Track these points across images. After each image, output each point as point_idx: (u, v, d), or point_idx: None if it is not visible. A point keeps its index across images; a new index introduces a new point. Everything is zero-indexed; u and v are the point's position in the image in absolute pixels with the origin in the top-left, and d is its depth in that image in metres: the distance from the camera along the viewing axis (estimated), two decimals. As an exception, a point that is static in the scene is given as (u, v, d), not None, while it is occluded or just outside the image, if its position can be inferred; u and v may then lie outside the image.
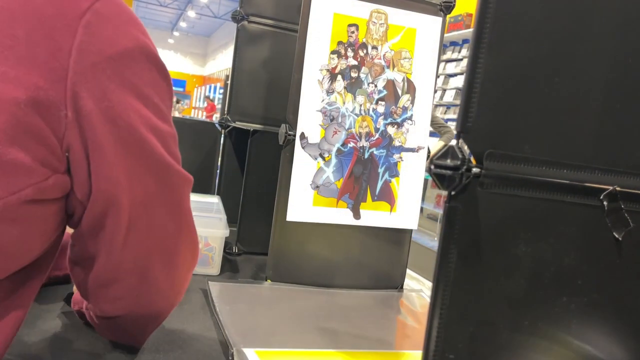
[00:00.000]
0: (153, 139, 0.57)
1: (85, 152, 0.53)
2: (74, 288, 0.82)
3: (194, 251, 0.67)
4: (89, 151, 0.53)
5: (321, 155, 1.08)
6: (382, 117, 1.11)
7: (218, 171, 1.54)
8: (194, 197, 1.36)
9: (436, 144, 4.68)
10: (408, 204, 1.15)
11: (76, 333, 0.80)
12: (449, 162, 0.44)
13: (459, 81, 6.78)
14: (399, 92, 1.11)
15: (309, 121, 1.06)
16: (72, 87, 0.51)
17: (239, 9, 1.35)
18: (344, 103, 1.08)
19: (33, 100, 0.49)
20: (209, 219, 1.18)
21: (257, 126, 1.34)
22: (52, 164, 0.52)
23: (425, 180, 1.45)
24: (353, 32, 1.08)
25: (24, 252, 0.55)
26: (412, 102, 1.12)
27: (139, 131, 0.56)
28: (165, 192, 0.60)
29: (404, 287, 1.20)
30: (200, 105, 19.15)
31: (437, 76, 1.16)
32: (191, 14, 18.65)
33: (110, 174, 0.55)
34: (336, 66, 1.07)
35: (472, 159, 0.45)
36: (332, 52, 1.06)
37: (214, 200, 1.36)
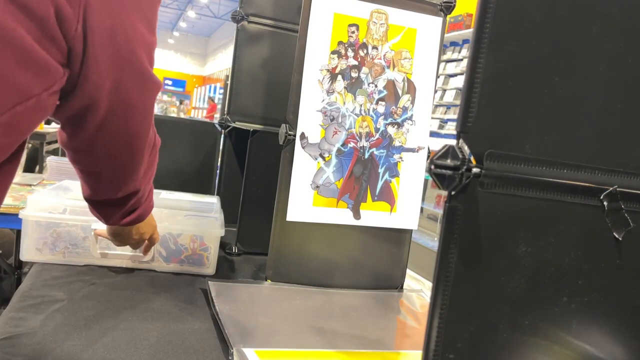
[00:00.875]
0: (143, 56, 0.65)
1: (82, 59, 0.60)
2: None
3: (154, 149, 0.80)
4: (86, 59, 0.60)
5: (321, 155, 1.08)
6: (382, 117, 1.11)
7: (218, 171, 1.54)
8: (194, 198, 1.36)
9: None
10: (408, 204, 1.15)
11: (76, 333, 0.80)
12: (449, 162, 0.44)
13: (459, 81, 6.78)
14: (399, 92, 1.11)
15: (309, 121, 1.06)
16: (85, 3, 0.58)
17: (239, 9, 1.35)
18: (344, 103, 1.08)
19: (57, 14, 0.57)
20: (205, 218, 1.18)
21: (257, 126, 1.34)
22: (64, 63, 0.60)
23: (425, 180, 1.45)
24: (353, 32, 1.08)
25: (29, 132, 0.64)
26: (412, 102, 1.12)
27: (135, 51, 0.64)
28: (143, 100, 0.69)
29: (404, 287, 1.20)
30: (201, 105, 19.15)
31: (437, 76, 1.15)
32: (191, 14, 18.65)
33: (98, 81, 0.62)
34: (336, 66, 1.07)
35: (472, 159, 0.45)
36: (333, 52, 1.06)
37: (213, 200, 1.36)
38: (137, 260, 1.10)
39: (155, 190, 1.29)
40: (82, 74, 0.62)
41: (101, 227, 1.01)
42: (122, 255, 1.09)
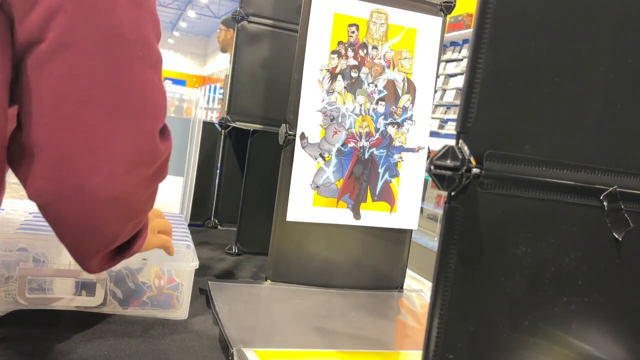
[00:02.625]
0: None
1: None
2: None
3: (144, 139, 0.58)
4: None
5: (321, 155, 1.08)
6: (382, 117, 1.11)
7: (218, 171, 1.54)
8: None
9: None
10: (408, 204, 1.15)
11: (76, 335, 0.80)
12: (448, 162, 0.44)
13: (459, 81, 6.77)
14: (399, 92, 1.11)
15: (309, 121, 1.06)
16: None
17: (239, 9, 1.35)
18: (344, 103, 1.08)
19: None
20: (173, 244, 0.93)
21: (257, 126, 1.34)
22: None
23: (425, 181, 1.45)
24: (353, 32, 1.08)
25: None
26: (412, 102, 1.12)
27: None
28: (107, 64, 0.54)
29: (404, 287, 1.20)
30: (205, 105, 19.12)
31: (437, 76, 1.15)
32: (191, 14, 18.64)
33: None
34: (336, 66, 1.07)
35: (472, 159, 0.45)
36: (333, 52, 1.06)
37: (174, 212, 1.15)
38: (81, 305, 0.86)
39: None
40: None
41: None
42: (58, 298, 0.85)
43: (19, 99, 0.54)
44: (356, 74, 1.08)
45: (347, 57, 1.08)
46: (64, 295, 0.86)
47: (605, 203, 0.52)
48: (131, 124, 0.57)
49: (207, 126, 1.55)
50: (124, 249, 0.69)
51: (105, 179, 0.56)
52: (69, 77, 0.52)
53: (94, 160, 0.55)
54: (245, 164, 1.31)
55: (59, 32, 0.52)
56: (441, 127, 6.95)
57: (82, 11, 0.52)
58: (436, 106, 6.99)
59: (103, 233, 0.61)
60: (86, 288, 0.87)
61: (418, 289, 1.22)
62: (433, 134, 6.44)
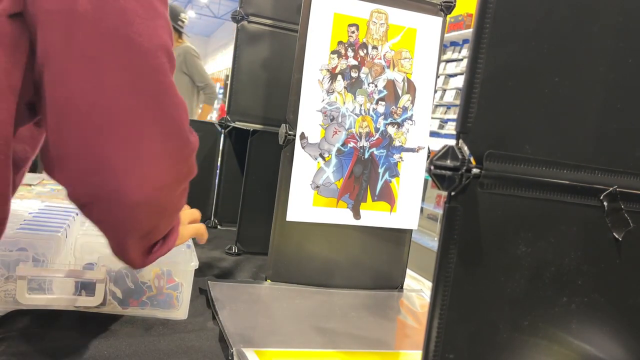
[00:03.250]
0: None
1: None
2: None
3: (172, 138, 0.61)
4: None
5: (321, 155, 1.08)
6: (382, 117, 1.11)
7: (218, 171, 1.54)
8: None
9: None
10: (408, 204, 1.15)
11: (75, 334, 0.80)
12: (448, 162, 0.44)
13: (459, 81, 6.77)
14: (399, 92, 1.11)
15: (309, 121, 1.06)
16: None
17: (238, 9, 1.35)
18: (344, 103, 1.08)
19: None
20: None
21: (257, 126, 1.34)
22: None
23: (425, 180, 1.45)
24: (353, 32, 1.08)
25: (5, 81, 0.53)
26: (413, 102, 1.12)
27: None
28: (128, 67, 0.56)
29: (404, 287, 1.20)
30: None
31: (437, 76, 1.15)
32: (191, 14, 18.65)
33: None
34: (336, 66, 1.07)
35: (472, 159, 0.45)
36: (332, 52, 1.06)
37: None
38: (81, 305, 0.86)
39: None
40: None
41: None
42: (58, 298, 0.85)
43: (44, 110, 0.56)
44: (356, 74, 1.08)
45: (347, 57, 1.08)
46: (63, 295, 0.86)
47: (605, 203, 0.52)
48: (160, 125, 0.60)
49: (207, 126, 1.55)
50: (161, 244, 0.73)
51: (138, 182, 0.59)
52: (97, 89, 0.54)
53: (126, 165, 0.58)
54: (245, 164, 1.31)
55: (83, 44, 0.53)
56: (441, 127, 6.95)
57: (104, 24, 0.53)
58: (436, 106, 6.99)
59: (139, 231, 0.65)
60: (86, 288, 0.86)
61: (418, 289, 1.22)
62: (433, 134, 6.44)
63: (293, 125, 1.06)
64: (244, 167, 1.32)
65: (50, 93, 0.55)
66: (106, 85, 0.55)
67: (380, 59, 1.10)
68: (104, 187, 0.59)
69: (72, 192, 0.60)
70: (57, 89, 0.54)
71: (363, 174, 1.11)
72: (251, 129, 1.31)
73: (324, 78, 1.06)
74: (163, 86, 0.59)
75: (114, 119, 0.56)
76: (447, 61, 7.03)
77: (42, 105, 0.56)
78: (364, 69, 1.09)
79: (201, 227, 0.89)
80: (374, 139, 1.11)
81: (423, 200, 4.10)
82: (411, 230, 1.18)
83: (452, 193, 0.45)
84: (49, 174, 0.60)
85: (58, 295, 0.86)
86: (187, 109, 0.64)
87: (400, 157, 1.13)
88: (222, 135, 1.49)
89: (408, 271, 1.23)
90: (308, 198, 1.08)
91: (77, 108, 0.55)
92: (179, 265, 0.91)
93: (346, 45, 1.07)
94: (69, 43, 0.53)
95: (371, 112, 1.10)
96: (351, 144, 1.10)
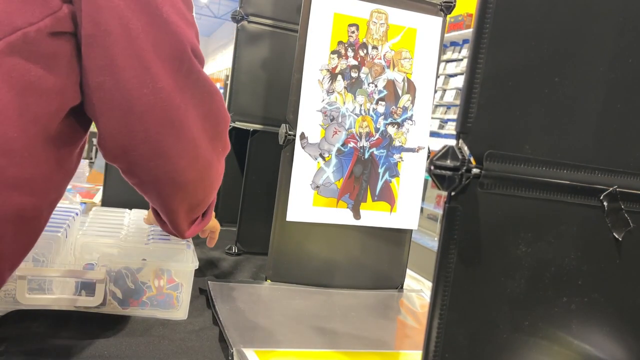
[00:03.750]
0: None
1: None
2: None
3: (209, 119, 0.72)
4: None
5: (321, 155, 1.08)
6: (382, 117, 1.11)
7: (218, 171, 1.54)
8: (141, 214, 1.12)
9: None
10: (408, 204, 1.15)
11: (76, 334, 0.80)
12: (448, 162, 0.44)
13: (459, 81, 6.77)
14: (399, 92, 1.11)
15: (309, 121, 1.06)
16: None
17: (238, 9, 1.35)
18: (344, 103, 1.08)
19: None
20: (172, 246, 0.96)
21: (257, 126, 1.34)
22: None
23: (425, 181, 1.45)
24: (353, 32, 1.08)
25: (52, 95, 0.57)
26: (413, 102, 1.12)
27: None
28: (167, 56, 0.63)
29: (404, 287, 1.20)
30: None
31: (437, 76, 1.15)
32: (191, 13, 18.61)
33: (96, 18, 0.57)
34: (336, 66, 1.07)
35: (472, 159, 0.45)
36: (332, 52, 1.06)
37: None
38: (81, 305, 0.86)
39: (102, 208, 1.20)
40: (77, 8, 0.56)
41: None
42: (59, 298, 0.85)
43: (97, 115, 0.63)
44: (356, 74, 1.08)
45: (347, 57, 1.08)
46: (63, 295, 0.86)
47: (605, 203, 0.52)
48: (199, 110, 0.69)
49: (207, 126, 1.55)
50: (201, 220, 0.86)
51: (190, 162, 0.70)
52: (152, 93, 0.62)
53: (179, 147, 0.68)
54: (245, 164, 1.31)
55: (136, 57, 0.60)
56: (441, 127, 6.95)
57: (154, 36, 0.61)
58: (436, 106, 6.99)
59: (191, 203, 0.78)
60: (86, 288, 0.86)
61: (418, 289, 1.22)
62: (433, 134, 6.43)
63: (293, 125, 1.06)
64: (244, 167, 1.32)
65: (110, 96, 0.61)
66: (160, 89, 0.63)
67: (380, 59, 1.10)
68: (162, 168, 0.69)
69: (134, 176, 0.71)
70: (118, 93, 0.61)
71: (363, 174, 1.11)
72: (251, 129, 1.31)
73: (324, 78, 1.06)
74: (202, 82, 0.69)
75: (167, 115, 0.65)
76: (447, 61, 7.02)
77: (96, 111, 0.63)
78: (364, 69, 1.09)
79: (218, 226, 1.02)
80: (374, 139, 1.11)
81: (423, 200, 4.10)
82: (411, 230, 1.18)
83: (452, 193, 0.45)
84: (111, 162, 0.69)
85: (58, 295, 0.86)
86: (219, 91, 0.73)
87: (400, 157, 1.13)
88: (222, 135, 1.49)
89: (408, 271, 1.23)
90: (308, 198, 1.08)
91: (135, 110, 0.62)
92: (179, 265, 0.91)
93: (346, 45, 1.07)
94: (125, 57, 0.59)
95: (371, 112, 1.10)
96: (351, 144, 1.09)
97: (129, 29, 0.58)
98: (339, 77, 1.07)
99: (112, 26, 0.57)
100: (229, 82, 1.39)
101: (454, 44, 7.09)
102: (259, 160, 1.30)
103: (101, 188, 1.42)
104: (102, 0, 0.56)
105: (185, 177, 0.71)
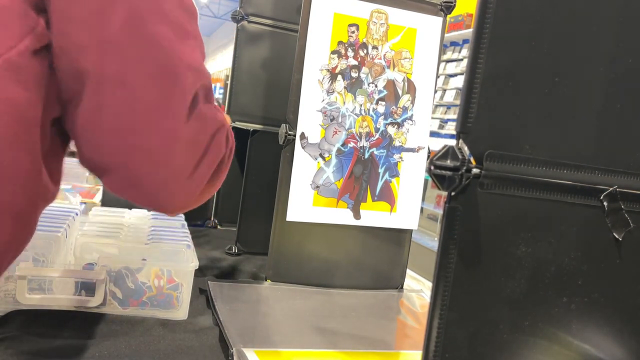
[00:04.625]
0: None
1: None
2: None
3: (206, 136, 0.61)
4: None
5: (321, 155, 1.08)
6: (382, 117, 1.11)
7: (218, 171, 1.53)
8: (141, 214, 1.14)
9: None
10: (408, 204, 1.15)
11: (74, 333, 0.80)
12: (448, 162, 0.44)
13: (459, 81, 6.77)
14: (399, 92, 1.11)
15: (309, 121, 1.06)
16: None
17: (238, 9, 1.35)
18: (344, 103, 1.08)
19: None
20: (172, 246, 0.96)
21: (257, 126, 1.34)
22: (37, 3, 0.51)
23: (426, 181, 1.45)
24: (353, 32, 1.08)
25: (32, 117, 0.53)
26: (413, 102, 1.12)
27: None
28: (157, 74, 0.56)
29: (404, 287, 1.20)
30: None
31: (437, 76, 1.15)
32: (191, 13, 18.59)
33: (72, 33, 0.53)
34: (336, 66, 1.07)
35: (472, 159, 0.45)
36: (333, 52, 1.06)
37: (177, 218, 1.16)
38: (81, 305, 0.86)
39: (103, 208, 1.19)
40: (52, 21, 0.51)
41: None
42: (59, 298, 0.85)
43: (76, 132, 0.57)
44: (356, 74, 1.08)
45: (347, 57, 1.08)
46: (63, 295, 0.86)
47: (605, 203, 0.52)
48: (190, 128, 0.59)
49: (207, 126, 1.55)
50: None
51: (174, 192, 0.61)
52: (129, 111, 0.56)
53: (160, 177, 0.59)
54: (245, 164, 1.31)
55: (115, 69, 0.54)
56: (441, 127, 6.95)
57: (134, 49, 0.54)
58: (436, 106, 6.99)
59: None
60: (86, 288, 0.86)
61: (418, 289, 1.22)
62: (433, 134, 6.43)
63: (293, 125, 1.06)
64: (244, 167, 1.32)
65: (83, 115, 0.56)
66: (137, 109, 0.56)
67: (381, 59, 1.10)
68: (144, 201, 0.61)
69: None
70: (97, 114, 0.55)
71: (363, 174, 1.11)
72: (251, 129, 1.31)
73: (324, 78, 1.06)
74: (190, 104, 0.59)
75: (147, 137, 0.57)
76: (447, 61, 7.02)
77: (74, 127, 0.57)
78: (364, 69, 1.09)
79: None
80: (374, 139, 1.11)
81: (423, 200, 4.10)
82: (411, 230, 1.18)
83: (452, 193, 0.45)
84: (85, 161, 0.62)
85: (58, 295, 0.86)
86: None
87: (400, 157, 1.13)
88: (222, 135, 1.49)
89: (408, 271, 1.23)
90: (308, 198, 1.08)
91: (108, 127, 0.56)
92: (179, 265, 0.91)
93: (346, 45, 1.07)
94: (100, 67, 0.54)
95: (371, 112, 1.10)
96: (351, 144, 1.09)
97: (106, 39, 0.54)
98: (339, 77, 1.07)
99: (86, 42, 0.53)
100: (229, 82, 1.39)
101: (454, 44, 7.09)
102: (259, 160, 1.30)
103: (101, 188, 1.42)
104: (74, 12, 0.53)
105: (175, 206, 0.63)
